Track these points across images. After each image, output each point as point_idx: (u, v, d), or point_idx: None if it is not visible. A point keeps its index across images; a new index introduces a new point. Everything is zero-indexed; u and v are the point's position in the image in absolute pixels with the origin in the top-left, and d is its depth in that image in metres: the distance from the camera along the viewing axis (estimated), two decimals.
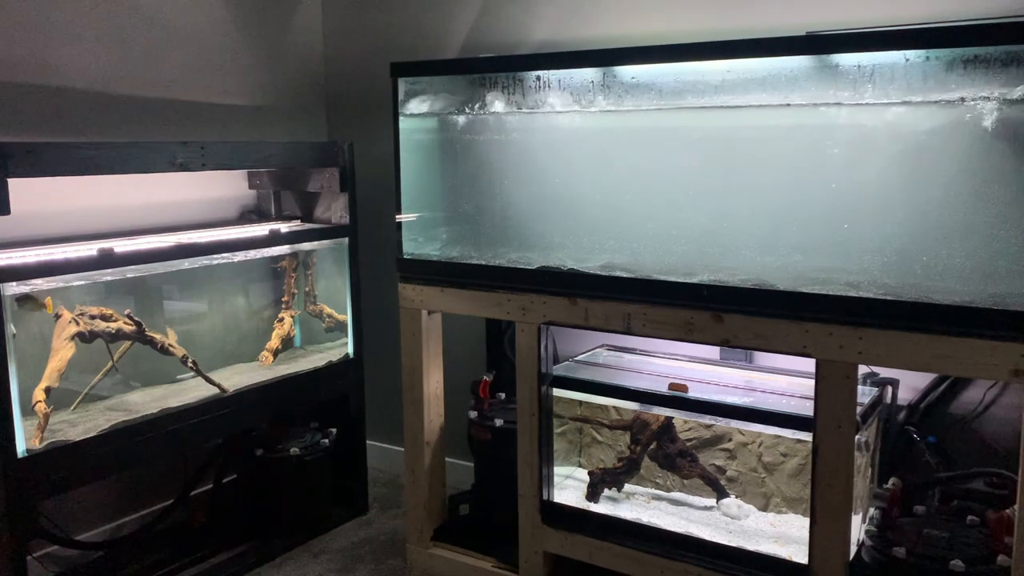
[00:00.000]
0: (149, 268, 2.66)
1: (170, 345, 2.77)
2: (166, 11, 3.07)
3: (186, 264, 2.78)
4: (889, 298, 2.07)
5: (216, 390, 2.84)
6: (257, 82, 3.42)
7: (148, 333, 2.70)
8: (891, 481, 2.32)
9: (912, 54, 2.01)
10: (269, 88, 3.48)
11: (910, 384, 2.50)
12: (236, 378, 3.02)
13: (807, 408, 2.21)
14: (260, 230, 3.05)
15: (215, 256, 2.85)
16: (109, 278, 2.57)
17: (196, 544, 3.03)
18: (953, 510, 2.29)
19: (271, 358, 3.22)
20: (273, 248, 3.06)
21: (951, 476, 2.40)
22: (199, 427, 2.76)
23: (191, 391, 2.85)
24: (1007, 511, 2.10)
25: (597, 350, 3.00)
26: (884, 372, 2.47)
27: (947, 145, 2.05)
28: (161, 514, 3.01)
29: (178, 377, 2.96)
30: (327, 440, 3.17)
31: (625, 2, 2.91)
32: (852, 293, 2.12)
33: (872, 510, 2.32)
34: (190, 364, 2.80)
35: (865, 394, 2.42)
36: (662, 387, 2.55)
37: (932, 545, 2.13)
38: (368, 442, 3.46)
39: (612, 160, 2.56)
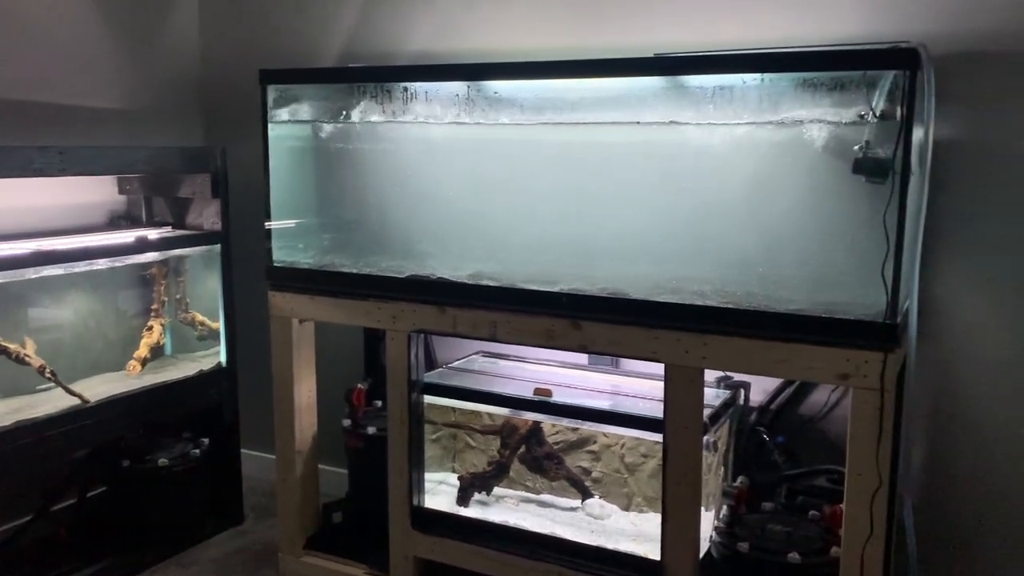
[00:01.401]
0: (3, 275, 2.57)
1: (26, 355, 2.68)
2: (19, 3, 2.91)
3: (47, 271, 2.69)
4: (731, 306, 2.19)
5: (77, 401, 2.76)
6: (127, 84, 3.32)
7: (2, 343, 2.61)
8: (739, 479, 2.44)
9: (748, 77, 2.14)
10: (141, 90, 3.38)
11: (762, 387, 2.64)
12: (101, 388, 2.94)
13: (661, 411, 2.31)
14: (126, 236, 2.98)
15: (77, 263, 2.77)
16: None
17: (58, 559, 2.92)
18: (797, 506, 2.43)
19: (139, 367, 3.15)
20: (141, 255, 2.99)
21: (796, 474, 2.55)
22: (58, 439, 2.67)
23: (52, 402, 2.76)
24: (840, 506, 2.24)
25: (472, 356, 3.04)
26: (738, 376, 2.60)
27: (782, 163, 2.19)
28: (20, 529, 2.90)
29: (38, 388, 2.86)
30: (198, 450, 3.11)
31: (495, 18, 2.96)
32: (698, 301, 2.23)
33: (724, 507, 2.44)
34: (48, 375, 2.72)
35: (718, 396, 2.55)
36: (529, 392, 2.62)
37: (773, 539, 2.25)
38: (245, 451, 3.41)
39: (479, 172, 2.61)
